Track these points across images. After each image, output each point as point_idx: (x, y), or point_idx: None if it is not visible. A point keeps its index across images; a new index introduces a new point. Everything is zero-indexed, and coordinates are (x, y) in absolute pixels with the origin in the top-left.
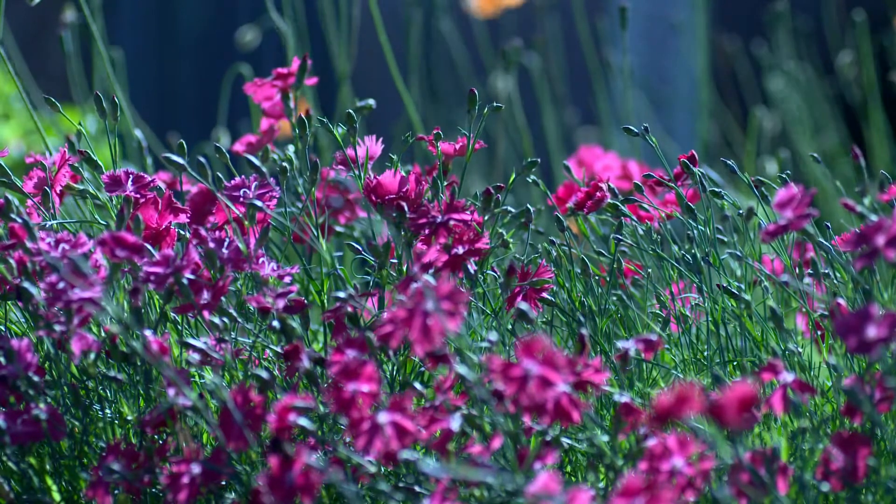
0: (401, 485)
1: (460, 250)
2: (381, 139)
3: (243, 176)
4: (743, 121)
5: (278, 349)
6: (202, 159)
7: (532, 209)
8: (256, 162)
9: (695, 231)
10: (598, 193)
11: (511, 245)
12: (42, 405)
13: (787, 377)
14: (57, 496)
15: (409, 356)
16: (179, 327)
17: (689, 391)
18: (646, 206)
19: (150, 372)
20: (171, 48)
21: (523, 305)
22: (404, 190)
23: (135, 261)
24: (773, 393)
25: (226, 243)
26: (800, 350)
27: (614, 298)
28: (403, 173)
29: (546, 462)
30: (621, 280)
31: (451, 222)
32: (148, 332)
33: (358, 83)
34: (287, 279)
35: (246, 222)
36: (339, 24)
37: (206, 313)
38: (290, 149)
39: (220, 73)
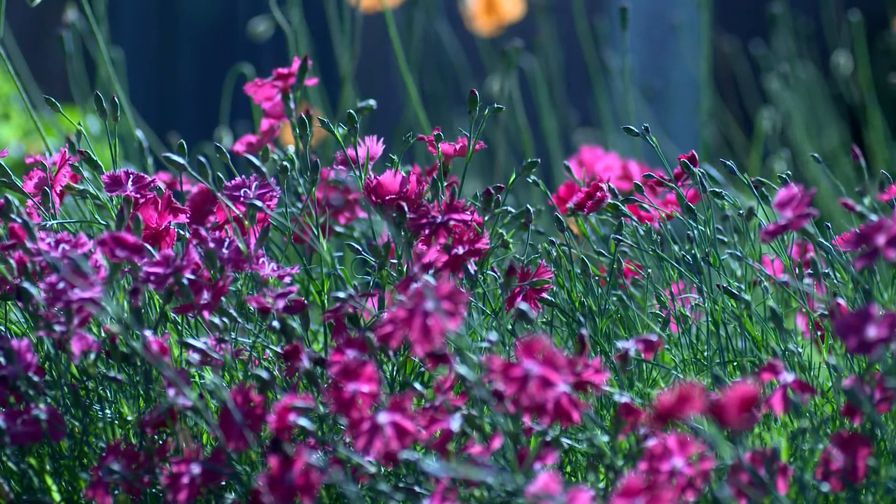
0: (401, 485)
1: (460, 250)
2: (381, 139)
3: (243, 176)
4: (743, 121)
5: (278, 349)
6: (202, 159)
7: (532, 209)
8: (257, 162)
9: (695, 231)
10: (598, 193)
11: (511, 245)
12: (42, 405)
13: (787, 377)
14: (57, 496)
15: (409, 356)
16: (179, 327)
17: (690, 391)
18: (646, 206)
19: (150, 372)
20: (172, 48)
21: (523, 305)
22: (405, 190)
23: (135, 261)
24: (773, 393)
25: (226, 243)
26: (800, 350)
27: (614, 299)
28: (404, 173)
29: (546, 462)
30: (621, 280)
31: (452, 222)
32: (148, 333)
33: (358, 83)
34: (287, 279)
35: (246, 222)
36: (343, 24)
37: (206, 313)
38: (291, 148)
39: (221, 73)
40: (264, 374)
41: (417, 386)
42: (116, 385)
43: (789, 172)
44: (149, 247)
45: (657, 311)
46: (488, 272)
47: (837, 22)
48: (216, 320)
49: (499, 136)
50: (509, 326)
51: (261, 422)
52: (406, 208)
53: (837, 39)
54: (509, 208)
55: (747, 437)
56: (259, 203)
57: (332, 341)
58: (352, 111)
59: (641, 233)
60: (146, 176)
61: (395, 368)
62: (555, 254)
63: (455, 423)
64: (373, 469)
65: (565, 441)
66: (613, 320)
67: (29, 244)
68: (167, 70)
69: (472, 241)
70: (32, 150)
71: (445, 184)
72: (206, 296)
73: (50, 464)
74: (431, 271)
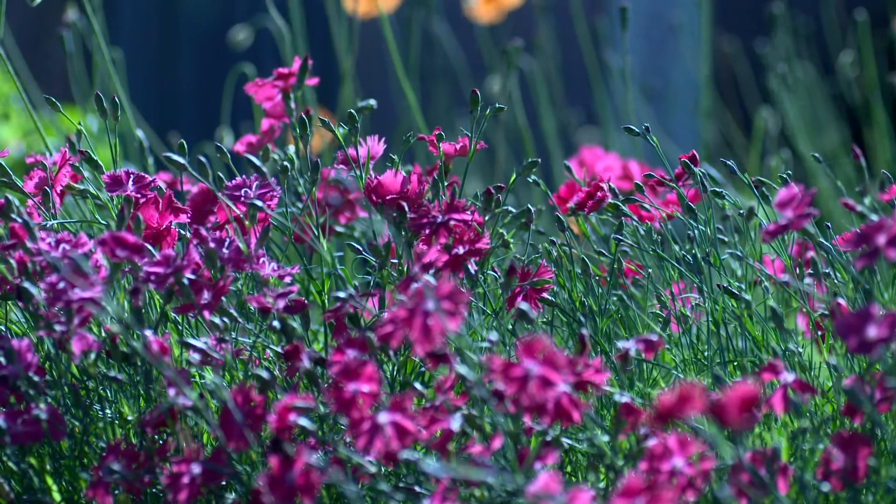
0: (401, 485)
1: (461, 250)
2: (381, 139)
3: (244, 176)
4: (743, 120)
5: (279, 349)
6: (203, 159)
7: (533, 209)
8: (257, 162)
9: (695, 231)
10: (599, 193)
11: (512, 245)
12: (42, 405)
13: (788, 377)
14: (57, 496)
15: (409, 356)
16: (180, 327)
17: (690, 391)
18: (646, 206)
19: (151, 372)
20: (172, 48)
21: (524, 305)
22: (405, 190)
23: (135, 261)
24: (774, 393)
25: (226, 243)
26: (800, 350)
27: (615, 298)
28: (404, 173)
29: (546, 462)
30: (622, 280)
31: (452, 222)
32: (148, 332)
33: (357, 84)
34: (287, 279)
35: (246, 222)
36: (341, 24)
37: (206, 313)
38: (291, 149)
39: (222, 73)
40: (264, 374)
41: (418, 386)
42: (117, 385)
43: (789, 172)
44: (149, 247)
45: (657, 311)
46: (489, 272)
47: (838, 22)
48: (216, 320)
49: (499, 136)
50: (510, 326)
51: (261, 422)
52: (406, 208)
53: (839, 39)
54: (510, 208)
55: (748, 436)
56: (259, 203)
57: (332, 341)
58: (352, 111)
59: (642, 233)
60: (147, 176)
61: (396, 368)
62: (555, 254)
63: (455, 423)
64: (373, 469)
65: (565, 441)
66: (614, 320)
67: (29, 244)
68: (167, 70)
69: (473, 240)
70: (32, 150)
71: (446, 183)
72: (206, 296)
73: (50, 464)
74: (432, 271)
